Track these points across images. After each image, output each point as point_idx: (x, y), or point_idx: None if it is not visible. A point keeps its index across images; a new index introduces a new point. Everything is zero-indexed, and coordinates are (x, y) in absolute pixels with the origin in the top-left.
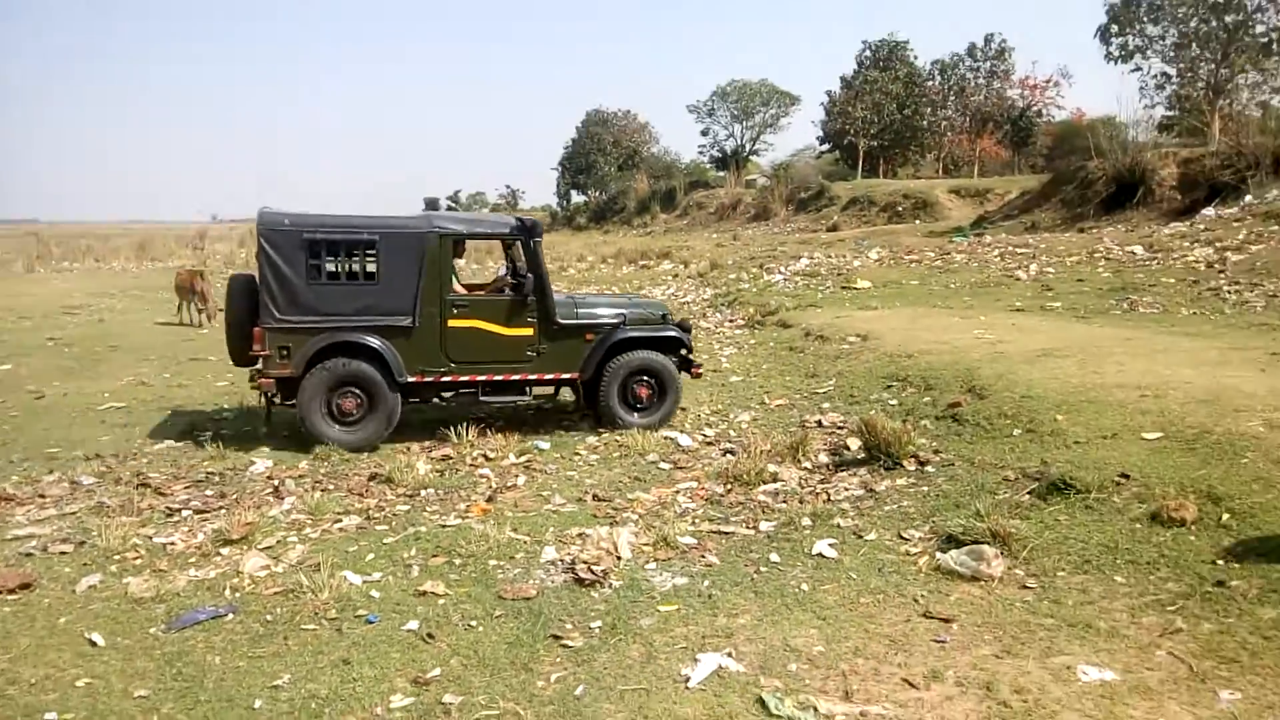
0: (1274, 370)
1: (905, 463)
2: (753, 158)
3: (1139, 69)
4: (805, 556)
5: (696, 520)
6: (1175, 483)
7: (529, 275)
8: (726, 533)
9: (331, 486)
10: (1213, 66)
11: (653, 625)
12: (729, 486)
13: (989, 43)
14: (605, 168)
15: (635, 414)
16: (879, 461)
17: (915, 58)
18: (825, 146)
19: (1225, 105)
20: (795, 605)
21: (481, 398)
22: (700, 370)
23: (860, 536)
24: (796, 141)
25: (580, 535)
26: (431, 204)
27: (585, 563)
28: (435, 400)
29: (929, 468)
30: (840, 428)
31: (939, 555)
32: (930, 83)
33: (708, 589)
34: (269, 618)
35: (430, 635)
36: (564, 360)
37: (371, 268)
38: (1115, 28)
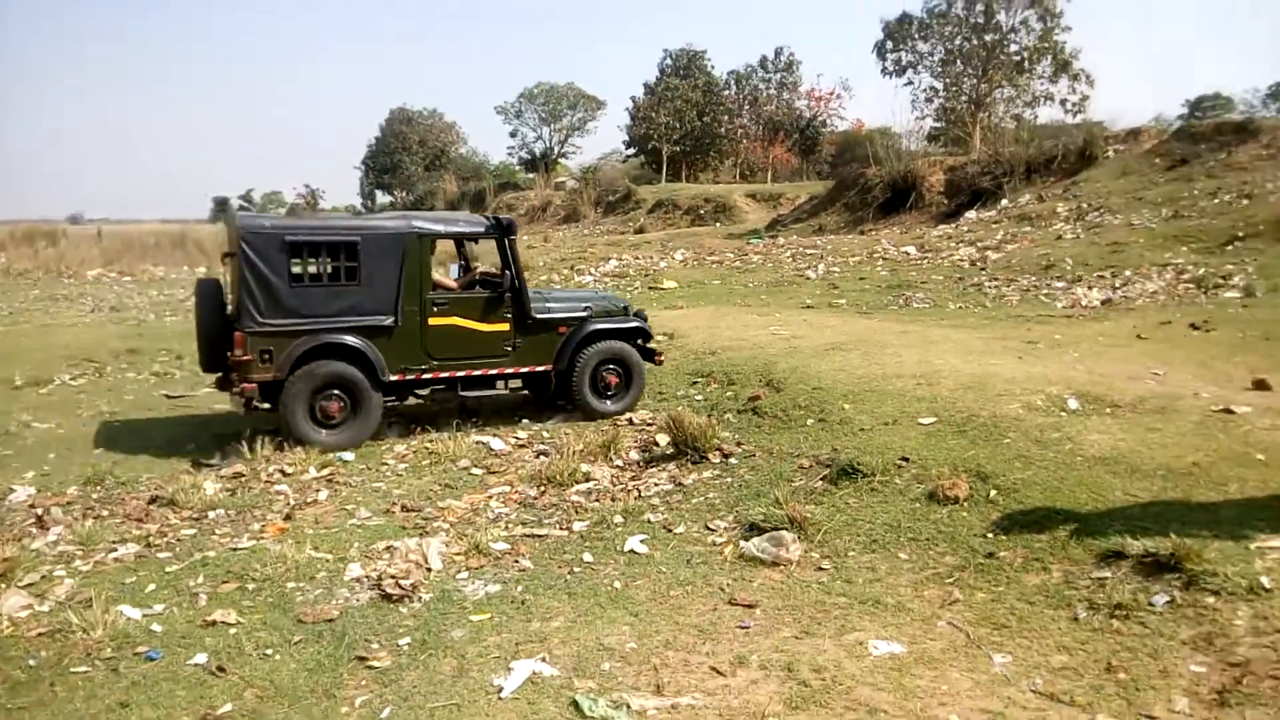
0: (1029, 358)
1: (711, 456)
2: (562, 160)
3: (911, 83)
4: (617, 554)
5: (510, 525)
6: (949, 463)
7: (506, 271)
8: (540, 535)
9: (105, 513)
10: (974, 81)
11: (465, 637)
12: (542, 489)
13: (779, 55)
14: (411, 167)
15: (607, 401)
16: (687, 456)
17: (713, 67)
18: (631, 151)
19: (985, 117)
20: (608, 603)
21: (461, 392)
22: (662, 359)
23: (670, 530)
24: (604, 145)
25: (388, 549)
26: (221, 204)
27: (393, 577)
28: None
29: (732, 459)
30: (650, 424)
31: (742, 544)
32: (727, 92)
33: (521, 594)
34: (32, 663)
35: (220, 668)
36: (539, 353)
37: (352, 269)
38: (890, 44)
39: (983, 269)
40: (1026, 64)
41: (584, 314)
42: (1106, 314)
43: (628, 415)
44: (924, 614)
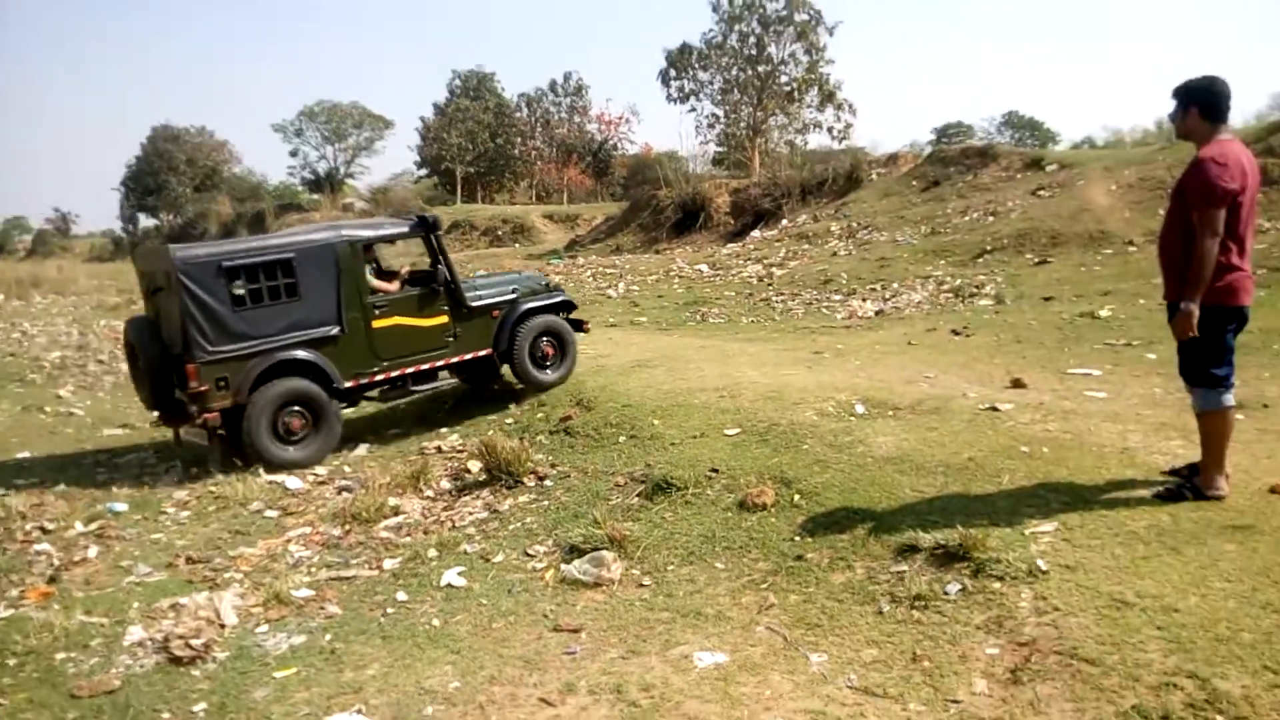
0: (818, 367)
1: (526, 480)
2: (349, 181)
3: (694, 109)
4: (434, 589)
5: (313, 569)
6: (755, 472)
7: (438, 266)
8: (347, 577)
9: None
10: (751, 109)
11: (269, 696)
12: (347, 527)
13: (568, 80)
14: (179, 189)
15: (547, 370)
16: (501, 481)
17: (503, 89)
18: (424, 172)
19: (762, 143)
20: (427, 643)
21: (412, 387)
22: (589, 326)
23: (488, 560)
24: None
25: (173, 606)
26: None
27: (181, 638)
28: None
29: (548, 482)
30: (460, 451)
31: (563, 567)
32: (519, 114)
33: (330, 643)
34: None
35: None
36: (478, 339)
37: (291, 285)
38: (673, 72)
39: (769, 285)
40: (796, 94)
41: (513, 295)
42: (880, 323)
43: (436, 443)
44: (743, 621)
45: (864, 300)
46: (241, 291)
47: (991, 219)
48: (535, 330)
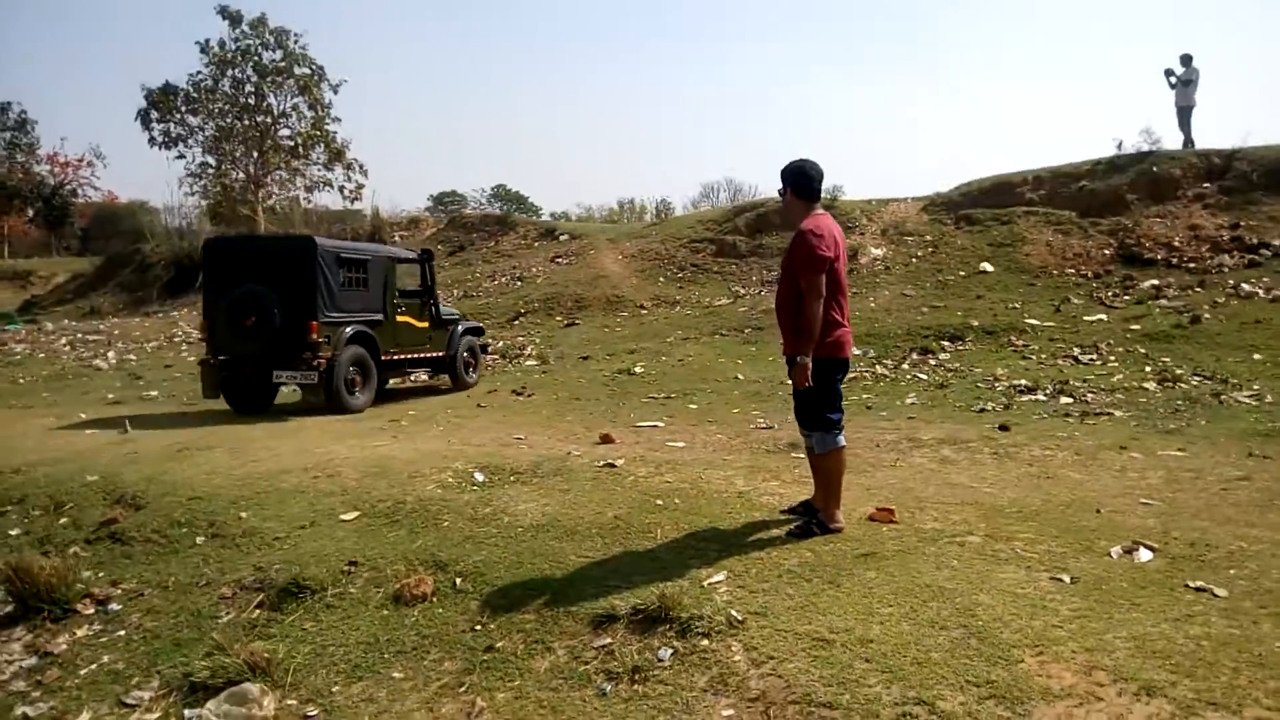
0: (404, 436)
1: (78, 606)
2: None
3: (183, 156)
4: None
5: None
6: (399, 559)
7: (428, 285)
8: None
9: None
10: (251, 161)
11: None
12: None
13: (6, 112)
14: None
15: (470, 373)
16: (43, 613)
17: None
18: None
19: (264, 197)
20: None
21: (407, 369)
22: (489, 347)
23: None
24: None
25: None
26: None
27: None
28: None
29: (113, 605)
30: None
31: (188, 714)
32: None
33: None
34: None
35: None
36: (441, 344)
37: (364, 279)
38: (155, 114)
39: None
40: (301, 149)
41: (458, 317)
42: (437, 386)
43: None
44: None
45: None
46: (344, 278)
47: (519, 283)
48: (469, 344)
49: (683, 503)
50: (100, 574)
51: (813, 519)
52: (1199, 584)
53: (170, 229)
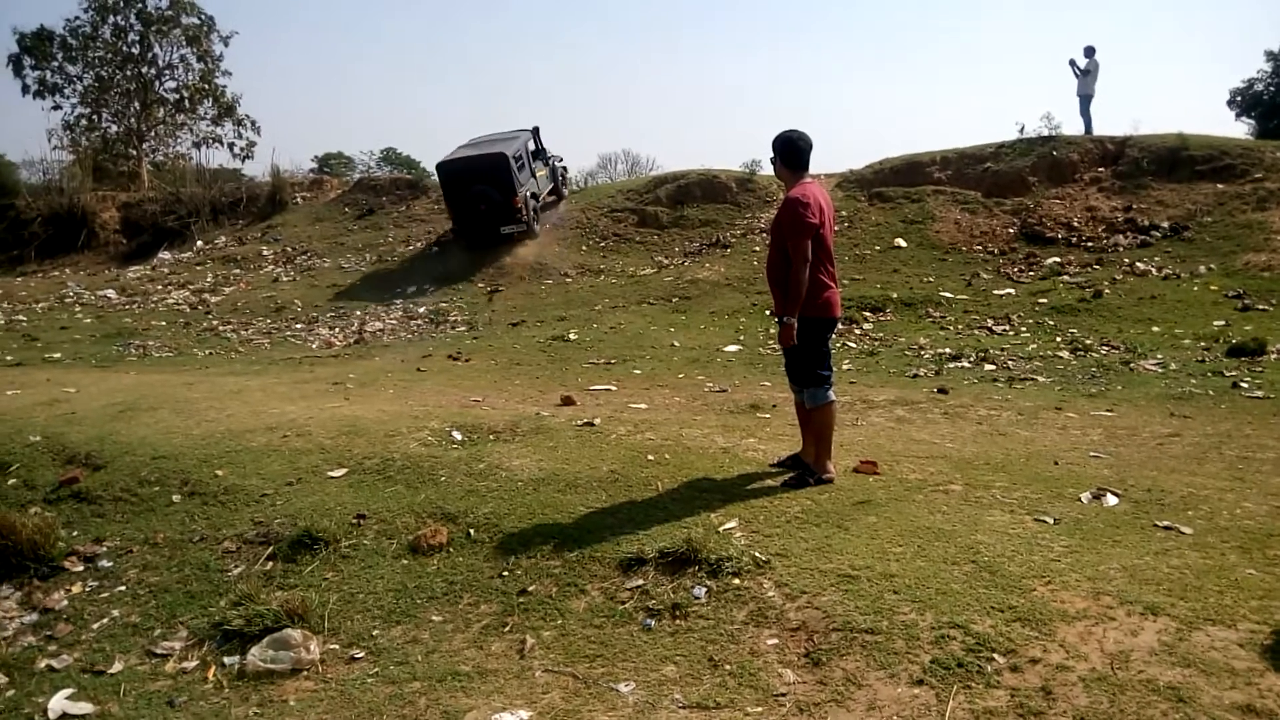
0: (356, 397)
1: (67, 564)
2: None
3: (59, 107)
4: None
5: None
6: (406, 511)
7: (541, 148)
8: None
9: None
10: (134, 115)
11: None
12: None
13: None
14: None
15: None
16: (28, 571)
17: None
18: None
19: (151, 153)
20: None
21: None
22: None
23: (99, 673)
24: None
25: None
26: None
27: None
28: None
29: (104, 562)
30: None
31: (227, 660)
32: None
33: None
34: None
35: None
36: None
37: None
38: (30, 60)
39: (207, 312)
40: (187, 103)
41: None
42: (368, 351)
43: None
44: (513, 670)
45: (330, 329)
46: (518, 166)
47: (437, 249)
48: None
49: (673, 458)
50: (75, 533)
51: (805, 470)
52: (1166, 523)
53: (52, 184)
